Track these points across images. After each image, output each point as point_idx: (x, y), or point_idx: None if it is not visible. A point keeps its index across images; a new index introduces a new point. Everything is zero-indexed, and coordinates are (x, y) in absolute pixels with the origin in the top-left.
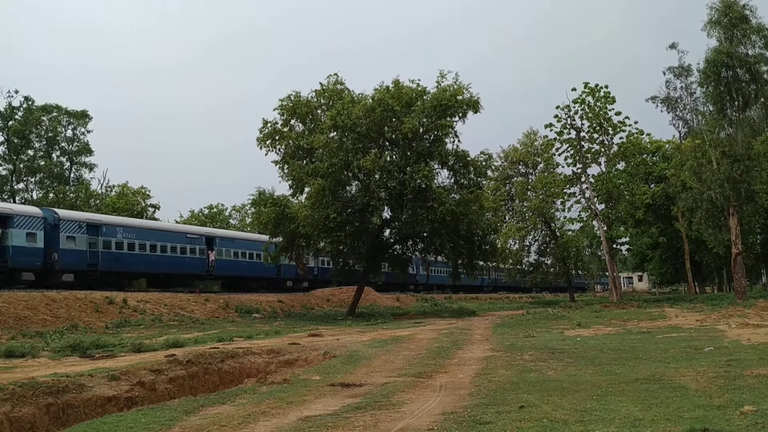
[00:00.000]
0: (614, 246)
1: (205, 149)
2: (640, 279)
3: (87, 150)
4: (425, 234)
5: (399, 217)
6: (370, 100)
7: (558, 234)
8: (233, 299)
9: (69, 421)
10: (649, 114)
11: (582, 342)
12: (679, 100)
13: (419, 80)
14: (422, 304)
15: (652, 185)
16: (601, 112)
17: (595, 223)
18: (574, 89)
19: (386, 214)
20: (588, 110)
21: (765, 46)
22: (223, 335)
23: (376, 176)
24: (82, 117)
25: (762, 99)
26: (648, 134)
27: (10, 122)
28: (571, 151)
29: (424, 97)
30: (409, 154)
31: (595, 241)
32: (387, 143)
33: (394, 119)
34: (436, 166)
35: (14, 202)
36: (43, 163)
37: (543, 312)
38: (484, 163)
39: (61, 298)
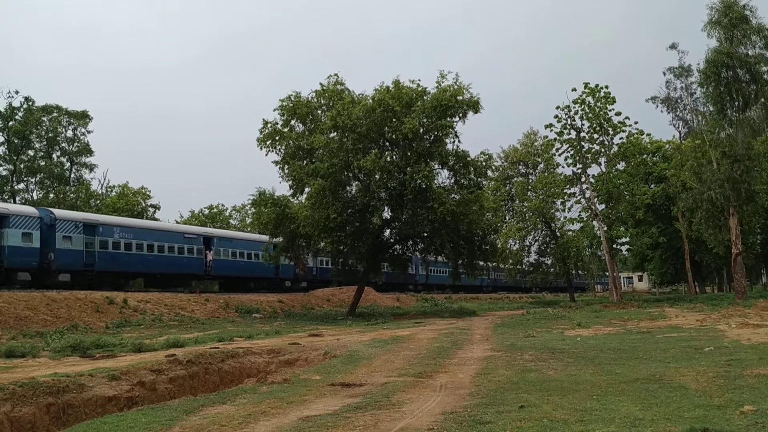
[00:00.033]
0: (614, 246)
1: (205, 149)
2: (640, 279)
3: (87, 150)
4: (425, 234)
5: (399, 218)
6: (371, 101)
7: (558, 234)
8: (233, 299)
9: (69, 421)
10: (649, 114)
11: (582, 342)
12: (679, 101)
13: (419, 80)
14: (422, 304)
15: (653, 185)
16: (601, 113)
17: (595, 223)
18: (574, 89)
19: (386, 214)
20: (588, 110)
21: (765, 46)
22: (223, 335)
23: (377, 176)
24: (83, 117)
25: (762, 99)
26: (648, 134)
27: (11, 122)
28: (571, 152)
29: (425, 98)
30: (409, 154)
31: (595, 241)
32: (387, 143)
33: (394, 119)
34: (436, 167)
35: (15, 202)
36: (43, 163)
37: (543, 312)
38: (484, 163)
39: (61, 298)
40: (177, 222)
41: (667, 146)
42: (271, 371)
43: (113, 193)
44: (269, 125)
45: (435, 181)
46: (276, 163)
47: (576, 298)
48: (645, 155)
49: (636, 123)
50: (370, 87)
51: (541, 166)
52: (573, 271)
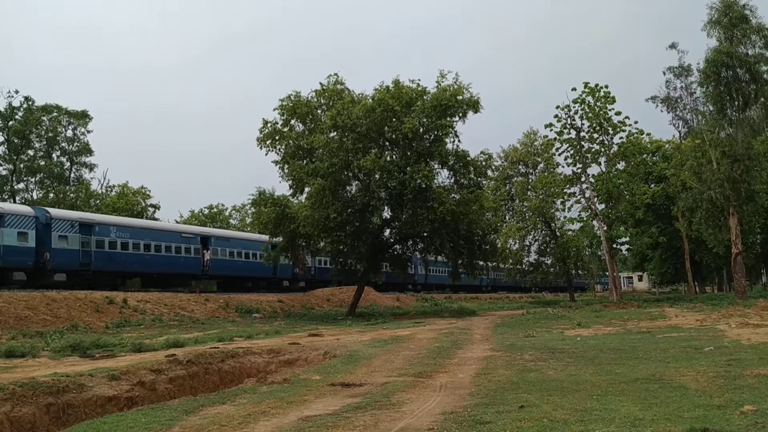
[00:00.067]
0: (614, 246)
1: (205, 149)
2: (640, 279)
3: (87, 150)
4: (425, 234)
5: (399, 217)
6: (370, 100)
7: (558, 234)
8: (233, 299)
9: (69, 421)
10: (649, 114)
11: (582, 342)
12: (679, 100)
13: (419, 80)
14: (422, 304)
15: (652, 185)
16: (601, 112)
17: (595, 223)
18: (574, 89)
19: (386, 214)
20: (588, 110)
21: (765, 46)
22: (223, 335)
23: (376, 176)
24: (83, 117)
25: (762, 99)
26: (648, 134)
27: (11, 122)
28: (571, 151)
29: (424, 97)
30: (409, 154)
31: (595, 241)
32: (387, 143)
33: (394, 119)
34: (436, 166)
35: (15, 202)
36: (43, 163)
37: (543, 312)
38: (484, 163)
39: (61, 298)
40: (177, 222)
41: (667, 146)
42: (271, 371)
43: (113, 193)
44: (269, 125)
45: (435, 180)
46: (276, 162)
47: (576, 298)
48: (645, 155)
49: (636, 123)
50: (370, 87)
51: (541, 165)
52: (573, 270)
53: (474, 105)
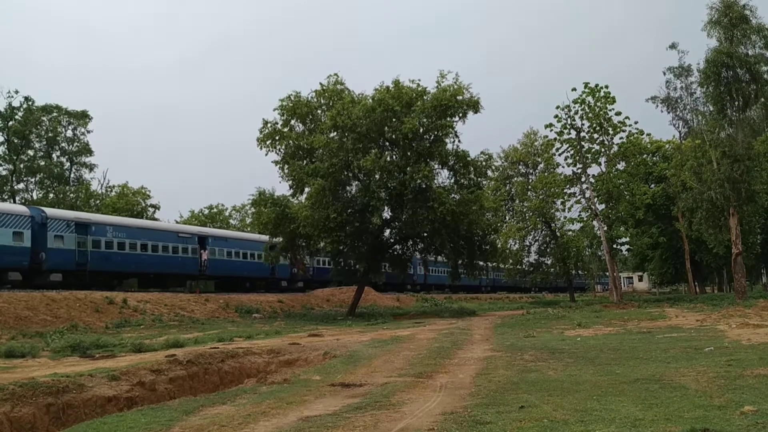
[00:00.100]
0: (614, 246)
1: (205, 149)
2: (641, 279)
3: (87, 150)
4: (425, 234)
5: (399, 217)
6: (370, 101)
7: (558, 234)
8: (233, 299)
9: (69, 421)
10: (649, 114)
11: (582, 342)
12: (679, 100)
13: (419, 80)
14: (422, 304)
15: (653, 185)
16: (601, 112)
17: (595, 223)
18: (574, 89)
19: (386, 214)
20: (588, 110)
21: (765, 46)
22: (223, 335)
23: (376, 176)
24: (82, 117)
25: (762, 99)
26: (648, 134)
27: (10, 122)
28: (571, 151)
29: (424, 97)
30: (409, 154)
31: (596, 241)
32: (387, 143)
33: (394, 119)
34: (436, 166)
35: (14, 202)
36: (43, 163)
37: (543, 312)
38: (484, 163)
39: (61, 298)
40: (177, 222)
41: (667, 146)
42: (271, 371)
43: (113, 193)
44: (269, 125)
45: (435, 181)
46: (276, 162)
47: (576, 298)
48: (645, 155)
49: (636, 123)
50: (370, 87)
51: (541, 165)
52: (573, 271)
53: (474, 105)
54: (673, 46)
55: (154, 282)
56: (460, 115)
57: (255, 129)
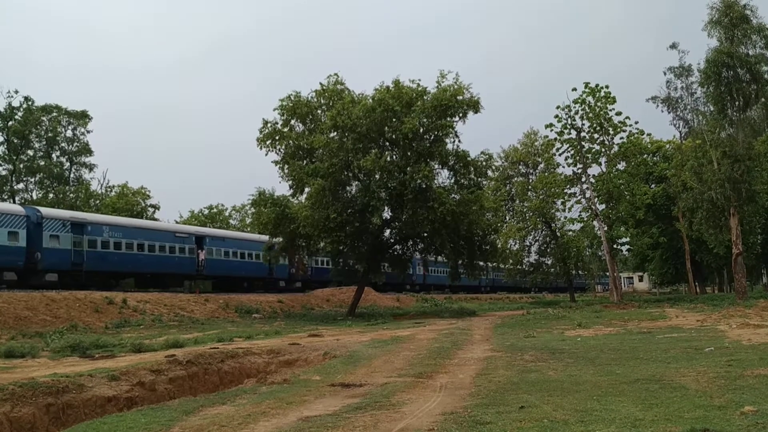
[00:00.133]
0: (615, 246)
1: (205, 149)
2: (641, 279)
3: (87, 150)
4: (425, 234)
5: (399, 218)
6: (371, 100)
7: (558, 234)
8: (233, 299)
9: (69, 421)
10: (649, 114)
11: (582, 342)
12: (679, 100)
13: (419, 80)
14: (422, 305)
15: (653, 185)
16: (602, 112)
17: (595, 223)
18: (574, 89)
19: (386, 214)
20: (588, 110)
21: (766, 46)
22: (223, 335)
23: (377, 176)
24: (82, 117)
25: (763, 99)
26: (648, 134)
27: (10, 122)
28: (572, 151)
29: (425, 97)
30: (409, 154)
31: (596, 241)
32: (387, 143)
33: (394, 119)
34: (436, 166)
35: (14, 202)
36: (43, 163)
37: (543, 312)
38: (484, 163)
39: (60, 298)
40: (177, 222)
41: (667, 146)
42: (271, 372)
43: (113, 193)
44: (269, 125)
45: (435, 181)
46: (276, 162)
47: (576, 299)
48: (645, 155)
49: (636, 123)
50: (370, 87)
51: (542, 165)
52: (573, 271)
53: (474, 105)
54: (673, 46)
55: (151, 282)
56: (461, 115)
57: (255, 129)
